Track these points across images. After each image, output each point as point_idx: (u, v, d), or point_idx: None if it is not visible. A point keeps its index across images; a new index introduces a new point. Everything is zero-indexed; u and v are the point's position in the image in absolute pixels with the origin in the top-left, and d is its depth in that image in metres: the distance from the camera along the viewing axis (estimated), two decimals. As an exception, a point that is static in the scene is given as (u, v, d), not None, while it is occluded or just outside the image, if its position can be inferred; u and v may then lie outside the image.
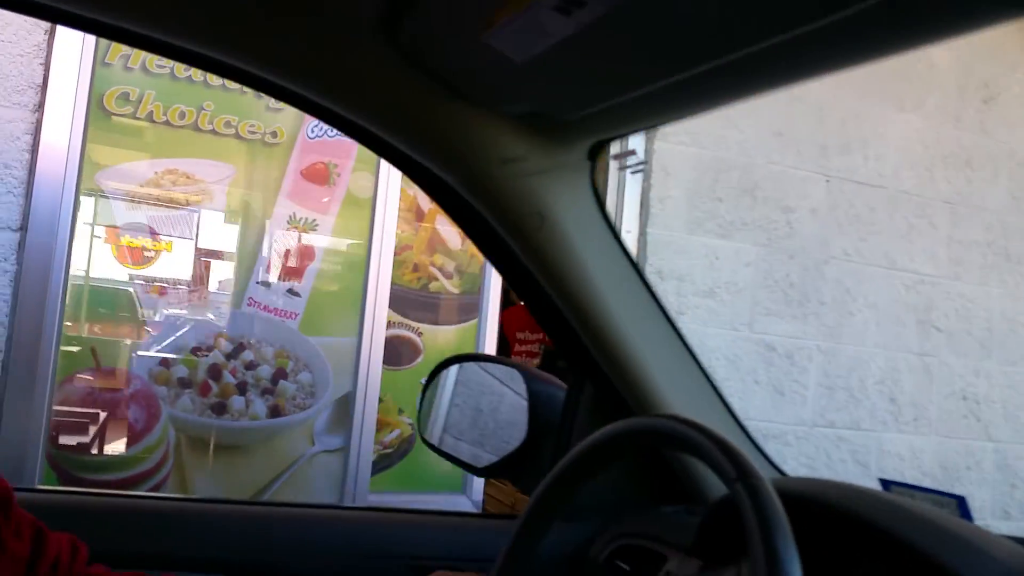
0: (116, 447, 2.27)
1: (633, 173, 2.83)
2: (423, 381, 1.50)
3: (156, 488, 2.29)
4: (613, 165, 2.96)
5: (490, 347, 2.56)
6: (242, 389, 2.39)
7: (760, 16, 0.62)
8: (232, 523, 1.16)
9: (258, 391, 2.41)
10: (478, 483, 2.54)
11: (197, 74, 2.39)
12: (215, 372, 2.36)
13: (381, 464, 2.62)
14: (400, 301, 2.63)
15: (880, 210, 3.30)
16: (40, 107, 2.15)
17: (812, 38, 0.61)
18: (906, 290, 3.33)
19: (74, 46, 2.22)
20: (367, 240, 2.54)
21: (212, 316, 2.39)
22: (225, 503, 1.21)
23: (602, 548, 1.07)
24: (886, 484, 1.21)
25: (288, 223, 2.47)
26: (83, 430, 2.23)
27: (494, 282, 2.58)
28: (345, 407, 2.50)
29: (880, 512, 0.81)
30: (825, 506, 0.84)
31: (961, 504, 1.09)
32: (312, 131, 2.49)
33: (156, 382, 2.30)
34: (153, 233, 2.33)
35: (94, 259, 2.29)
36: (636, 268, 1.07)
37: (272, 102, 2.46)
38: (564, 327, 1.11)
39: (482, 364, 1.37)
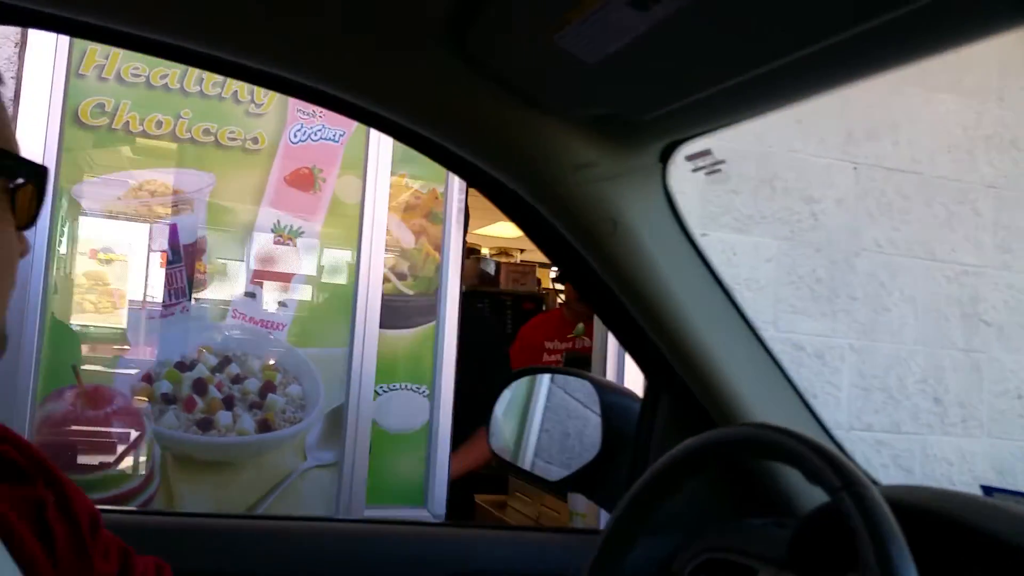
0: (100, 466, 2.22)
1: (708, 174, 2.70)
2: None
3: (142, 507, 2.23)
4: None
5: (449, 351, 2.44)
6: (229, 404, 2.31)
7: (839, 7, 0.62)
8: (313, 540, 1.17)
9: (245, 405, 2.33)
10: (439, 496, 2.41)
11: (174, 81, 2.34)
12: (200, 387, 2.29)
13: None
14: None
15: (915, 197, 3.08)
16: (13, 120, 2.12)
17: (886, 30, 0.61)
18: (948, 282, 3.11)
19: (47, 58, 2.19)
20: (356, 246, 2.45)
21: (196, 329, 2.32)
22: (307, 520, 1.22)
23: (685, 563, 1.05)
24: (988, 490, 1.17)
25: (272, 231, 2.39)
26: (66, 449, 2.18)
27: (452, 283, 2.46)
28: (338, 420, 2.41)
29: (988, 518, 0.78)
30: (930, 513, 0.80)
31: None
32: (295, 136, 2.42)
33: (139, 398, 2.23)
34: (132, 246, 2.28)
35: (73, 274, 2.25)
36: (713, 272, 1.04)
37: (252, 107, 2.39)
38: (639, 336, 1.10)
39: (553, 376, 1.36)
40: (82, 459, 2.20)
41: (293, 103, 2.42)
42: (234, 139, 2.38)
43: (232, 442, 2.30)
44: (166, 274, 2.30)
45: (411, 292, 2.50)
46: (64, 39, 2.20)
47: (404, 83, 0.92)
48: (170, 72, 2.34)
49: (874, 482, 0.97)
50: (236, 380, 2.33)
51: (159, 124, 2.31)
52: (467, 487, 4.58)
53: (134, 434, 2.22)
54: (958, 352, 3.10)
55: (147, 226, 2.29)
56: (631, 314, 1.07)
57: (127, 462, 2.23)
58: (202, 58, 0.91)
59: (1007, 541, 0.74)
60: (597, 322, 2.92)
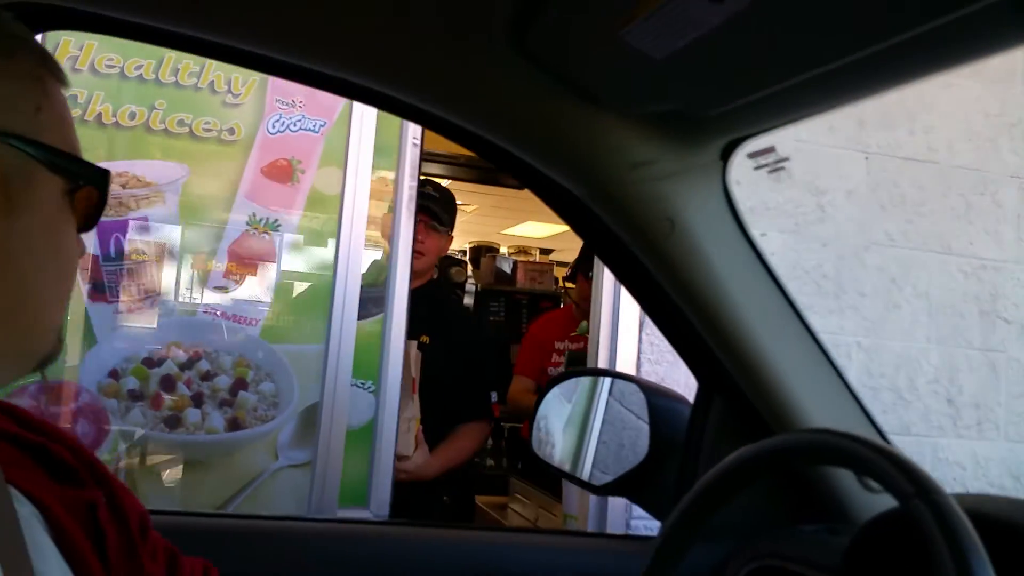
0: (67, 464, 2.16)
1: (771, 172, 2.61)
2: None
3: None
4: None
5: (396, 346, 2.36)
6: (198, 401, 2.25)
7: (907, 5, 0.61)
8: (349, 543, 1.17)
9: (215, 403, 2.27)
10: (382, 497, 2.32)
11: (148, 72, 2.28)
12: (168, 383, 2.23)
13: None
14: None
15: (931, 188, 2.93)
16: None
17: (954, 28, 0.60)
18: (965, 277, 2.95)
19: (14, 48, 2.14)
20: (335, 240, 2.38)
21: (165, 324, 2.26)
22: (354, 523, 1.25)
23: (737, 569, 1.04)
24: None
25: (248, 224, 2.32)
26: (32, 447, 2.14)
27: (401, 274, 2.37)
28: (312, 419, 2.34)
29: None
30: (1004, 524, 0.78)
31: None
32: (273, 126, 2.35)
33: (105, 395, 2.18)
34: (102, 238, 2.23)
35: (41, 268, 2.20)
36: (772, 274, 1.03)
37: (230, 97, 2.33)
38: (693, 338, 1.08)
39: (598, 379, 1.36)
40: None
41: (272, 93, 2.35)
42: (209, 130, 2.31)
43: (201, 440, 2.24)
44: (135, 268, 2.24)
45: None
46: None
47: (463, 82, 0.91)
48: (145, 63, 2.28)
49: None
50: (206, 377, 2.27)
51: (132, 115, 2.26)
52: (467, 489, 4.51)
53: (99, 432, 2.17)
54: (974, 351, 2.95)
55: (118, 217, 2.24)
56: (685, 316, 1.06)
57: (94, 460, 2.18)
58: (263, 61, 0.92)
59: None
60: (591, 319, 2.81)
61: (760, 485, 1.01)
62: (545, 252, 7.11)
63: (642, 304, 1.21)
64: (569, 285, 5.17)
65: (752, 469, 0.81)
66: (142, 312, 2.25)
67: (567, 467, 1.33)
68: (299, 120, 2.36)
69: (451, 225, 2.77)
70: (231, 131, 2.33)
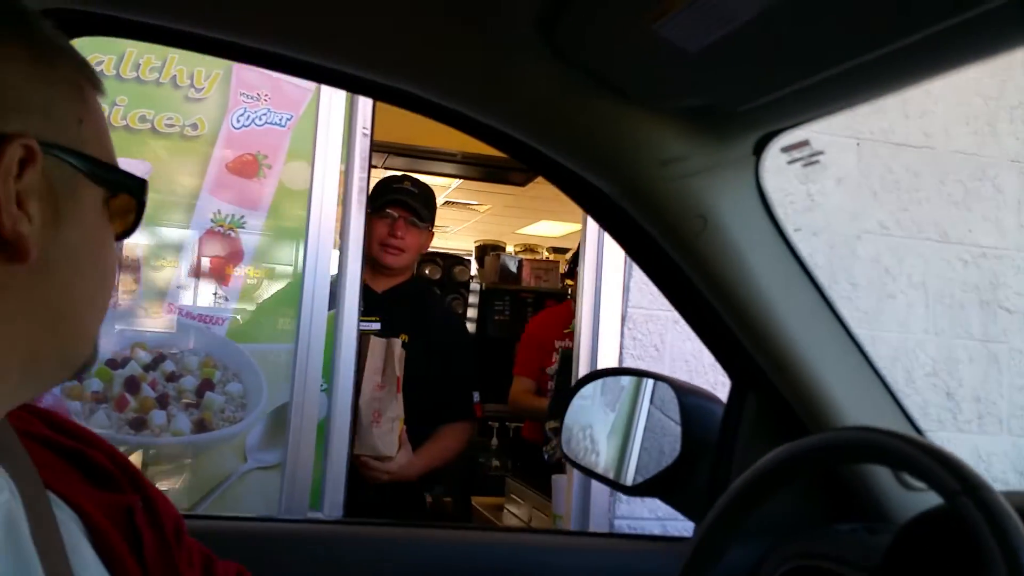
0: (30, 468, 2.12)
1: (805, 166, 2.54)
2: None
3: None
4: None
5: (348, 343, 2.32)
6: (163, 403, 2.21)
7: None
8: (388, 546, 1.17)
9: (181, 404, 2.22)
10: (335, 499, 2.26)
11: (109, 68, 2.24)
12: (133, 385, 2.19)
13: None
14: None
15: (926, 174, 2.83)
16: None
17: (986, 20, 0.60)
18: (964, 266, 2.85)
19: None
20: (303, 236, 2.32)
21: (128, 324, 2.22)
22: (383, 525, 1.23)
23: (773, 569, 1.03)
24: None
25: (212, 221, 2.27)
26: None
27: (352, 269, 2.31)
28: (282, 420, 2.29)
29: None
30: None
31: None
32: (238, 121, 2.30)
33: (68, 397, 2.15)
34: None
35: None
36: (807, 270, 1.02)
37: (192, 92, 2.29)
38: (725, 336, 1.08)
39: (627, 378, 1.34)
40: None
41: (236, 86, 2.31)
42: (172, 126, 2.27)
43: (166, 443, 2.20)
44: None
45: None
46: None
47: (490, 79, 0.91)
48: (105, 58, 2.25)
49: None
50: (171, 378, 2.22)
51: (92, 112, 2.22)
52: (465, 490, 4.44)
53: (60, 435, 2.13)
54: (974, 342, 2.84)
55: (79, 218, 2.20)
56: (717, 313, 1.05)
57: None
58: (291, 64, 0.92)
59: None
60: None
61: (795, 484, 1.02)
62: (561, 251, 7.03)
63: (673, 302, 1.19)
64: (568, 281, 5.10)
65: (791, 469, 0.80)
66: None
67: (598, 468, 1.31)
68: (264, 114, 2.31)
69: (431, 220, 2.68)
70: (194, 126, 2.28)
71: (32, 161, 0.53)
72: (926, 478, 0.67)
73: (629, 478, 1.26)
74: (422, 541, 1.21)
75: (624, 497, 2.50)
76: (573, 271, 3.72)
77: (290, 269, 2.33)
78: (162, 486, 2.20)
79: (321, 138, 2.33)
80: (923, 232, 2.82)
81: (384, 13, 0.81)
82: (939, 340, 2.81)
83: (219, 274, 2.28)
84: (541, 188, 5.31)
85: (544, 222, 7.54)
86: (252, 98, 2.31)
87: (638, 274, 2.55)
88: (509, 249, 6.44)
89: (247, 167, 2.30)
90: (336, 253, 2.35)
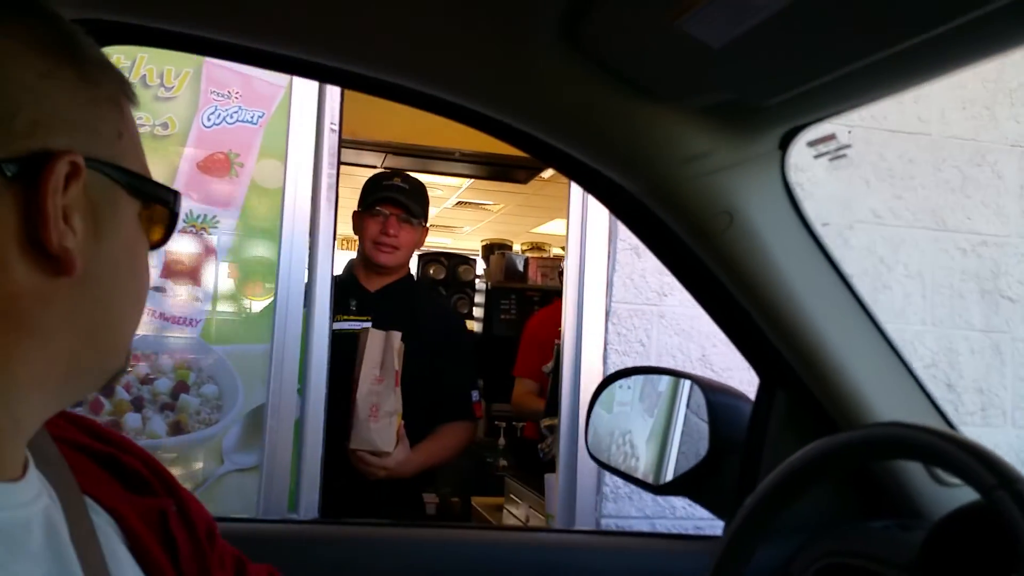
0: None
1: (832, 160, 2.49)
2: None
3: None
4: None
5: (320, 344, 2.30)
6: (138, 405, 2.19)
7: None
8: (415, 546, 1.18)
9: (156, 407, 2.20)
10: (310, 500, 2.22)
11: (79, 69, 2.22)
12: (107, 388, 2.16)
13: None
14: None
15: (921, 161, 2.76)
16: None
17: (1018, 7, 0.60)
18: (963, 254, 2.77)
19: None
20: (277, 236, 2.29)
21: (101, 327, 2.20)
22: (410, 527, 1.25)
23: (805, 567, 1.03)
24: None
25: (184, 222, 2.25)
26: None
27: (322, 269, 2.28)
28: (259, 421, 2.26)
29: None
30: None
31: None
32: (208, 119, 2.28)
33: (41, 401, 2.12)
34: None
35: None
36: (835, 265, 1.02)
37: (162, 91, 2.27)
38: (753, 334, 1.08)
39: (653, 376, 1.34)
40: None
41: (206, 84, 2.28)
42: (142, 124, 2.25)
43: (142, 445, 2.17)
44: (70, 270, 2.18)
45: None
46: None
47: (511, 78, 0.90)
48: (77, 59, 2.23)
49: None
50: (145, 380, 2.20)
51: (61, 113, 2.21)
52: (464, 491, 4.40)
53: (32, 439, 2.11)
54: (975, 333, 2.76)
55: (51, 220, 2.19)
56: (744, 311, 1.05)
57: (31, 468, 2.13)
58: (308, 67, 0.93)
59: None
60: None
61: (826, 481, 1.02)
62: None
63: (698, 299, 1.19)
64: (568, 279, 5.03)
65: (821, 466, 0.79)
66: (76, 315, 2.19)
67: (625, 468, 1.31)
68: (236, 112, 2.29)
69: (424, 216, 2.62)
70: (164, 125, 2.26)
71: (76, 176, 0.54)
72: (961, 473, 0.66)
73: (657, 477, 1.25)
74: (441, 542, 1.21)
75: (610, 495, 2.45)
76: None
77: (264, 269, 2.30)
78: (136, 490, 2.18)
79: (294, 135, 2.31)
80: (919, 220, 2.74)
81: (407, 16, 0.81)
82: (938, 331, 2.74)
83: (192, 275, 2.25)
84: (554, 186, 5.25)
85: (559, 220, 7.48)
86: (223, 96, 2.28)
87: (621, 269, 2.50)
88: (516, 248, 6.40)
89: (219, 166, 2.28)
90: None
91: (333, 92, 2.34)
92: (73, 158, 0.54)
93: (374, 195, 2.54)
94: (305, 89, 2.30)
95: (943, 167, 2.78)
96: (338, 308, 2.51)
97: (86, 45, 0.60)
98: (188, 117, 2.28)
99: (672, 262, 1.17)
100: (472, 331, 5.22)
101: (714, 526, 2.49)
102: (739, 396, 1.23)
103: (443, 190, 6.67)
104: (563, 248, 6.68)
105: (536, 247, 6.60)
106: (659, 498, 2.45)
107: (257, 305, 2.30)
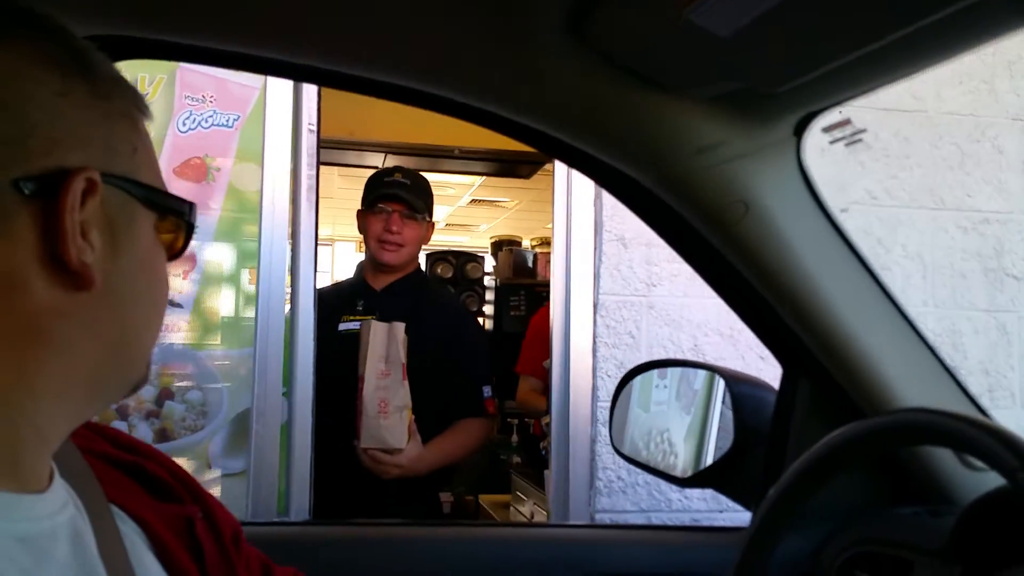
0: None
1: (848, 145, 2.46)
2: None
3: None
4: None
5: (305, 347, 2.29)
6: (123, 413, 2.19)
7: None
8: (441, 544, 1.19)
9: (141, 415, 2.20)
10: (301, 503, 2.20)
11: (54, 79, 2.22)
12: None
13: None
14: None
15: (917, 138, 2.69)
16: None
17: None
18: (963, 233, 2.70)
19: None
20: (257, 239, 2.28)
21: (82, 337, 2.20)
22: (434, 526, 1.26)
23: (834, 557, 1.02)
24: None
25: (163, 228, 2.24)
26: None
27: (305, 271, 2.28)
28: (245, 426, 2.25)
29: None
30: None
31: None
32: (183, 124, 2.27)
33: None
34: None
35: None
36: (855, 250, 1.01)
37: (138, 99, 2.25)
38: (773, 323, 1.08)
39: (677, 369, 1.34)
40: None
41: (180, 89, 2.27)
42: (118, 133, 2.24)
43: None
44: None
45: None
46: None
47: (519, 74, 0.90)
48: (52, 69, 2.23)
49: None
50: (129, 388, 2.20)
51: (37, 123, 2.21)
52: (472, 488, 4.36)
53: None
54: (979, 313, 2.69)
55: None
56: (764, 300, 1.04)
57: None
58: (317, 73, 0.94)
59: None
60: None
61: (852, 469, 1.00)
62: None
63: (717, 290, 1.18)
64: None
65: (845, 454, 0.79)
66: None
67: (650, 462, 1.31)
68: (211, 116, 2.28)
69: (428, 211, 2.52)
70: (141, 133, 2.25)
71: (93, 192, 0.55)
72: (985, 457, 0.66)
73: (682, 470, 1.25)
74: (461, 539, 1.23)
75: (604, 490, 2.41)
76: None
77: (245, 272, 2.29)
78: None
79: (270, 137, 2.29)
80: (916, 200, 2.67)
81: (414, 18, 0.82)
82: (940, 312, 2.67)
83: (172, 281, 2.25)
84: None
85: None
86: (197, 100, 2.27)
87: (608, 260, 2.46)
88: (526, 243, 6.37)
89: (195, 171, 2.27)
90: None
91: (310, 92, 2.32)
92: (89, 174, 0.55)
93: (375, 192, 2.48)
94: (280, 90, 2.28)
95: (940, 144, 2.71)
96: (345, 309, 2.49)
97: (98, 61, 0.61)
98: (163, 123, 2.27)
99: (688, 253, 1.16)
100: (484, 327, 5.20)
101: (712, 518, 2.45)
102: (763, 386, 1.23)
103: (456, 188, 6.65)
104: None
105: (546, 242, 6.56)
106: (654, 491, 2.42)
107: (239, 310, 2.29)
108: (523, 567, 1.17)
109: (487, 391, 2.49)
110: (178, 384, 2.23)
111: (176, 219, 0.65)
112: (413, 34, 0.85)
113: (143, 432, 2.19)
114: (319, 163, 2.30)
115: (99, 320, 0.58)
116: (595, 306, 2.46)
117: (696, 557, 1.21)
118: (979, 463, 0.67)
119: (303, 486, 2.25)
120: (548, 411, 3.29)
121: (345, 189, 5.83)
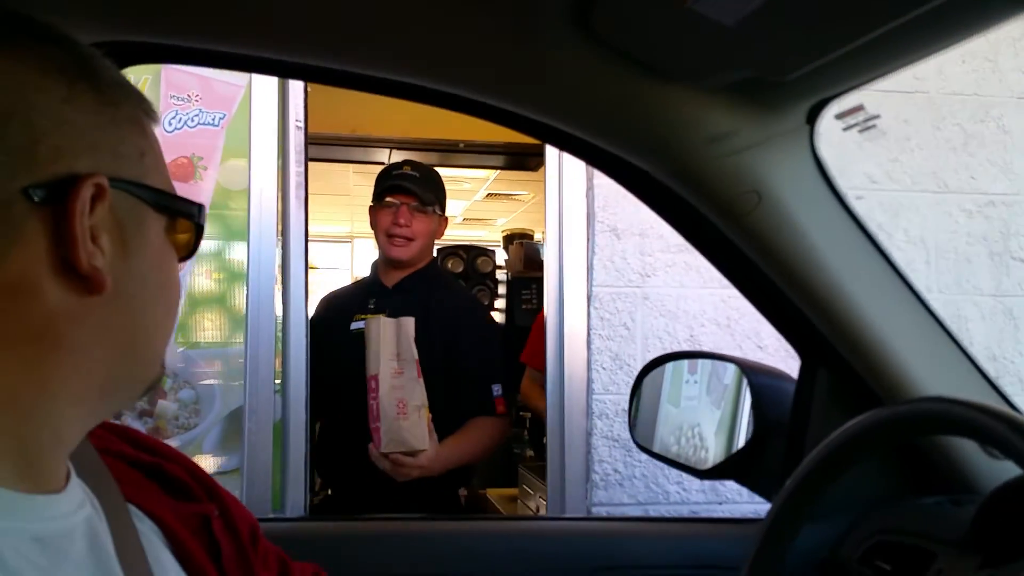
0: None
1: (862, 131, 2.42)
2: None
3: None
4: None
5: (297, 343, 2.23)
6: (116, 414, 2.19)
7: None
8: (457, 539, 1.21)
9: (135, 414, 2.21)
10: (297, 499, 2.19)
11: (41, 82, 2.23)
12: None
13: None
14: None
15: (918, 120, 2.64)
16: None
17: None
18: (968, 216, 2.64)
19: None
20: (245, 236, 2.28)
21: (74, 338, 2.21)
22: (450, 520, 1.29)
23: (854, 547, 1.01)
24: None
25: (152, 228, 2.24)
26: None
27: (296, 268, 2.28)
28: (239, 423, 2.25)
29: None
30: None
31: None
32: (170, 124, 2.27)
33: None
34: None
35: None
36: (872, 238, 1.00)
37: (125, 99, 2.25)
38: (790, 313, 1.07)
39: (695, 361, 1.35)
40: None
41: (166, 89, 2.27)
42: (105, 135, 2.25)
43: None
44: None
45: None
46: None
47: (526, 69, 0.90)
48: (40, 72, 2.24)
49: None
50: (121, 388, 2.21)
51: (25, 127, 2.22)
52: (482, 482, 4.34)
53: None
54: (985, 297, 2.63)
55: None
56: (780, 290, 1.04)
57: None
58: (324, 73, 0.94)
59: None
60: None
61: (876, 458, 1.05)
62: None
63: (732, 280, 1.18)
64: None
65: (862, 444, 0.79)
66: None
67: (669, 453, 1.31)
68: (196, 115, 2.28)
69: (438, 204, 2.44)
70: (128, 134, 2.26)
71: (102, 197, 0.56)
72: (1000, 445, 0.66)
73: (702, 462, 1.25)
74: (471, 533, 1.23)
75: (600, 483, 2.39)
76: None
77: (234, 271, 2.29)
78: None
79: (257, 134, 2.28)
80: (918, 183, 2.62)
81: (422, 15, 0.82)
82: (944, 298, 2.61)
83: (162, 281, 2.25)
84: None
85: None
86: (183, 100, 2.27)
87: (601, 252, 2.43)
88: (538, 236, 6.34)
89: (182, 171, 2.27)
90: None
91: (296, 89, 2.31)
92: (97, 180, 0.56)
93: (383, 185, 2.43)
94: (265, 88, 2.28)
95: (943, 125, 2.65)
96: (357, 308, 2.45)
97: (104, 68, 0.61)
98: (150, 123, 2.26)
99: (702, 245, 1.15)
100: (497, 322, 5.18)
101: (710, 510, 2.42)
102: (782, 376, 1.23)
103: (471, 183, 6.63)
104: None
105: (559, 234, 6.52)
106: (651, 484, 2.39)
107: (229, 308, 2.29)
108: (534, 561, 1.18)
109: (496, 390, 2.37)
110: (170, 383, 2.24)
111: (186, 221, 0.66)
112: (419, 31, 0.85)
113: (136, 432, 2.20)
114: (307, 159, 2.29)
115: (111, 323, 0.59)
116: (589, 298, 2.43)
117: (711, 549, 1.21)
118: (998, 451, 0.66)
119: (298, 483, 2.24)
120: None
121: (361, 186, 5.84)
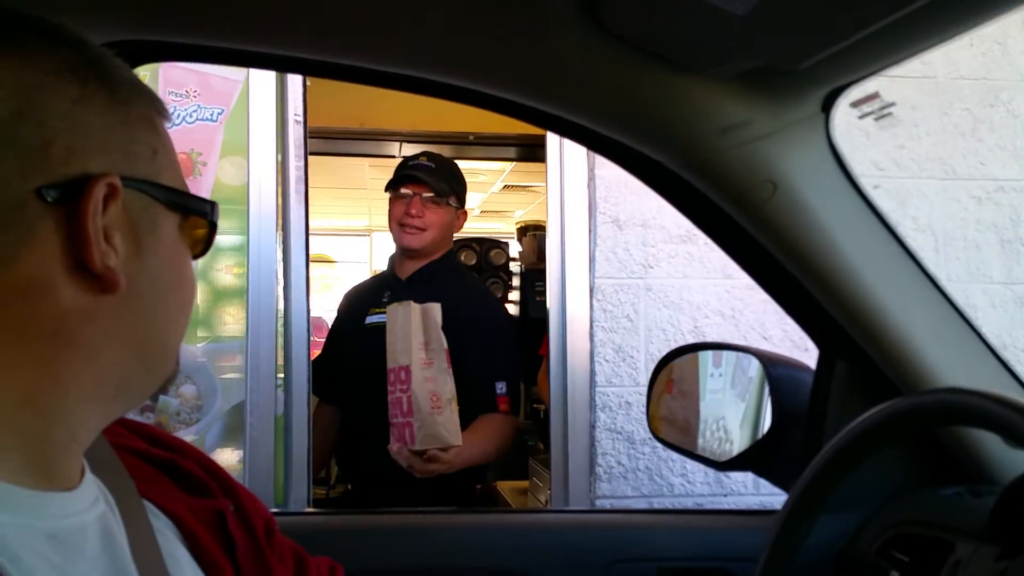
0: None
1: (878, 119, 2.41)
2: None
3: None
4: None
5: (299, 338, 2.29)
6: (122, 410, 2.20)
7: None
8: (472, 532, 1.21)
9: (136, 410, 2.21)
10: (300, 495, 2.19)
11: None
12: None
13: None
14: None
15: (926, 106, 2.60)
16: None
17: None
18: (978, 204, 2.60)
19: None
20: (245, 232, 2.28)
21: (76, 334, 2.22)
22: (466, 513, 1.32)
23: (872, 539, 1.01)
24: None
25: (153, 224, 2.25)
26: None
27: (296, 263, 2.31)
28: (240, 418, 2.26)
29: None
30: None
31: None
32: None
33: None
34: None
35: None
36: (889, 227, 1.00)
37: (124, 96, 2.26)
38: (807, 303, 1.07)
39: (714, 352, 1.34)
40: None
41: (164, 85, 2.27)
42: (105, 132, 2.26)
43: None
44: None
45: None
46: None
47: (537, 62, 0.90)
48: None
49: None
50: (123, 384, 2.22)
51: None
52: (494, 475, 4.33)
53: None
54: (996, 286, 2.59)
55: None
56: (797, 280, 1.04)
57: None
58: (337, 69, 0.95)
59: None
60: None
61: (893, 449, 1.05)
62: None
63: (748, 271, 1.17)
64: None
65: (878, 435, 0.79)
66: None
67: (687, 445, 1.31)
68: (195, 110, 2.28)
69: (453, 195, 2.40)
70: (127, 130, 2.27)
71: (115, 196, 0.57)
72: (1017, 437, 0.66)
73: (720, 453, 1.25)
74: (486, 526, 1.24)
75: (604, 476, 2.38)
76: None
77: (234, 265, 2.29)
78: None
79: (255, 129, 2.28)
80: (925, 170, 2.58)
81: (433, 9, 0.82)
82: (954, 286, 2.57)
83: (163, 277, 2.26)
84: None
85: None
86: (181, 95, 2.27)
87: (603, 243, 2.42)
88: (551, 228, 6.31)
89: (181, 166, 2.27)
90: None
91: (295, 83, 2.31)
92: (110, 180, 0.56)
93: (397, 175, 2.43)
94: (263, 82, 2.27)
95: (951, 111, 2.61)
96: (372, 302, 2.46)
97: (115, 67, 0.62)
98: (149, 119, 2.27)
99: (718, 236, 1.15)
100: (510, 316, 5.16)
101: (716, 502, 2.40)
102: (800, 368, 1.22)
103: (488, 175, 6.62)
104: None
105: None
106: (655, 476, 2.38)
107: (230, 303, 2.30)
108: (549, 554, 1.18)
109: (500, 388, 2.32)
110: (172, 379, 2.25)
111: (199, 219, 0.67)
112: (431, 28, 0.86)
113: (138, 427, 2.21)
114: (307, 154, 2.29)
115: (125, 321, 0.60)
116: (591, 290, 2.42)
117: (726, 541, 1.21)
118: (1022, 441, 0.65)
119: (301, 478, 2.25)
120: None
121: (377, 179, 5.84)
